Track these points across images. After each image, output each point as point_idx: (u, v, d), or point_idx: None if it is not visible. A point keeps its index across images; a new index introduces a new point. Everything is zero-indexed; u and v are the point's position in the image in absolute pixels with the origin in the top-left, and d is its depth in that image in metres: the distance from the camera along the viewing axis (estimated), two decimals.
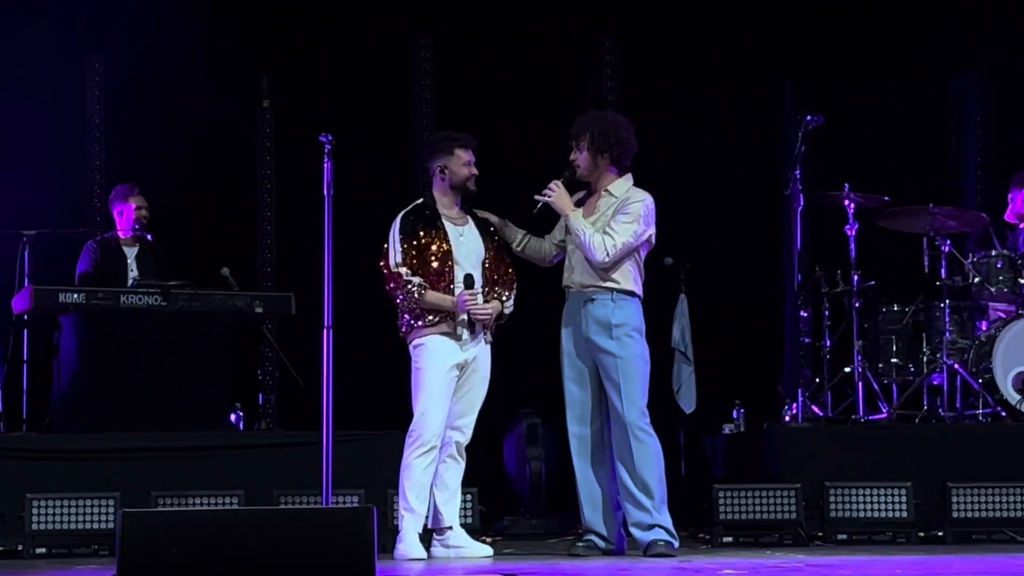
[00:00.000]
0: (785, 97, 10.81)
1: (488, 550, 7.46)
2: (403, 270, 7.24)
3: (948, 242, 9.18)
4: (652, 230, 7.36)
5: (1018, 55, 10.73)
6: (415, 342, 7.28)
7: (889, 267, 9.58)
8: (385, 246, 7.32)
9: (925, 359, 9.27)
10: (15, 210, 9.24)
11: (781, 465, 8.42)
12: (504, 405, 8.56)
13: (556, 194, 7.36)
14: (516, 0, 10.70)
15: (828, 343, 9.29)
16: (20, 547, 7.63)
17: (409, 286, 7.21)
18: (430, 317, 7.24)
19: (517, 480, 9.62)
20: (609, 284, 7.28)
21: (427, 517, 7.28)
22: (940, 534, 8.12)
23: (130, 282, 8.99)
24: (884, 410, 9.20)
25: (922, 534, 8.13)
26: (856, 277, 9.13)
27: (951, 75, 11.11)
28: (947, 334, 9.13)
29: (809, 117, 8.85)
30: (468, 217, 7.44)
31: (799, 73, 10.78)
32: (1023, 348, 8.87)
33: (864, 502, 8.12)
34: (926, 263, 9.27)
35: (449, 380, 7.24)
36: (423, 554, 7.19)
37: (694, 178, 10.39)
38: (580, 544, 7.35)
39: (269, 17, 10.46)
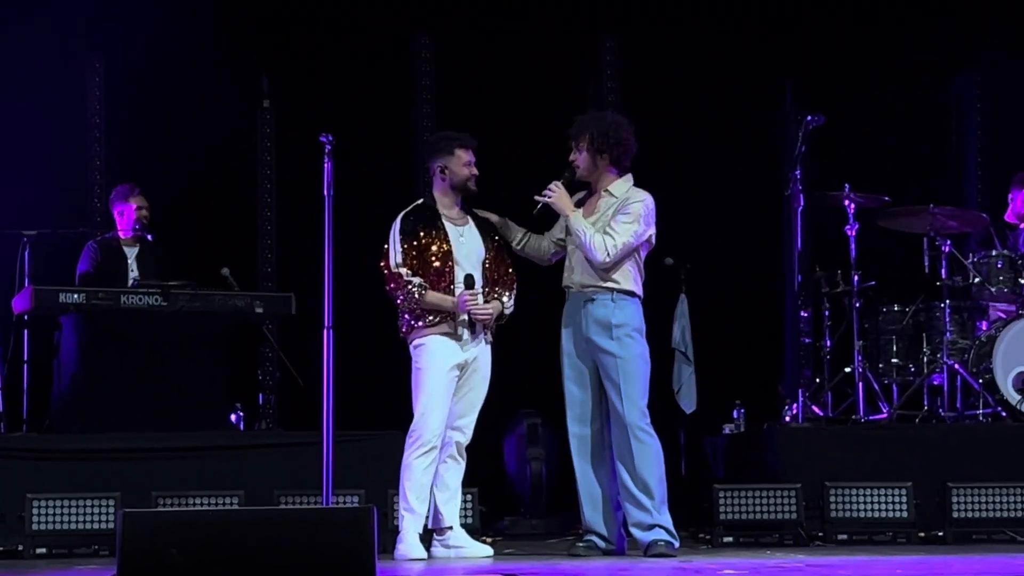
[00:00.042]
0: (785, 97, 10.80)
1: (488, 550, 7.46)
2: (403, 270, 7.23)
3: (948, 242, 9.18)
4: (652, 230, 7.36)
5: (1018, 55, 10.72)
6: (415, 342, 7.28)
7: (889, 267, 9.57)
8: (385, 246, 7.32)
9: (925, 359, 9.27)
10: (15, 210, 9.23)
11: (781, 465, 8.42)
12: (504, 405, 8.56)
13: (556, 195, 7.35)
14: (516, 0, 10.70)
15: (828, 343, 9.29)
16: (20, 547, 7.63)
17: (409, 286, 7.20)
18: (430, 317, 7.24)
19: (517, 480, 9.61)
20: (609, 284, 7.27)
21: (427, 517, 7.28)
22: (940, 534, 8.11)
23: (130, 282, 8.99)
24: (884, 410, 9.19)
25: (922, 534, 8.13)
26: (856, 277, 9.12)
27: (951, 75, 11.10)
28: (947, 334, 9.12)
29: (809, 117, 8.84)
30: (468, 217, 7.44)
31: (799, 73, 10.77)
32: (1023, 348, 8.88)
33: (864, 502, 8.11)
34: (926, 263, 9.27)
35: (449, 380, 7.24)
36: (423, 554, 7.19)
37: (694, 178, 10.38)
38: (580, 544, 7.35)
39: (269, 17, 10.45)
